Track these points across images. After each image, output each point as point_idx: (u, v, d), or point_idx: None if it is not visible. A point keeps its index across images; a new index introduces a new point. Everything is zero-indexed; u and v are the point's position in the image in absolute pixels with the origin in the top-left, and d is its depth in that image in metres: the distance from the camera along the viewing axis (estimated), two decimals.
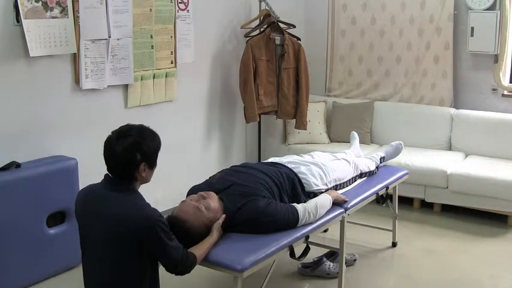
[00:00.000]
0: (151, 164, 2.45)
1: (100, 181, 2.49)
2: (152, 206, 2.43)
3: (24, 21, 3.36)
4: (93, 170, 3.60)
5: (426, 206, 4.80)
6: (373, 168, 3.78)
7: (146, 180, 2.47)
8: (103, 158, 2.43)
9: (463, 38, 5.11)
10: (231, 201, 2.80)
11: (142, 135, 2.42)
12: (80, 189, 2.62)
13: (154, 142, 2.46)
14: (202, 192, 2.80)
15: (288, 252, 2.81)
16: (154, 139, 2.47)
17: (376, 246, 4.06)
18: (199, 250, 2.53)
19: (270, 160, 3.48)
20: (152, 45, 4.26)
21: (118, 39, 3.97)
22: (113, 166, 2.40)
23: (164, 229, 2.34)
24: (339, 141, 5.31)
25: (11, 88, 3.42)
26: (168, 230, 2.36)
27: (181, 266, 2.42)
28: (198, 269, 2.54)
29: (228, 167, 3.29)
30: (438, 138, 5.15)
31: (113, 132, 2.43)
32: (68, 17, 3.62)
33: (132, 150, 2.37)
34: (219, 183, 2.96)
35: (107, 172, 2.44)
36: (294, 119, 5.18)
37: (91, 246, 2.43)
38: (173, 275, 2.46)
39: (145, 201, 2.41)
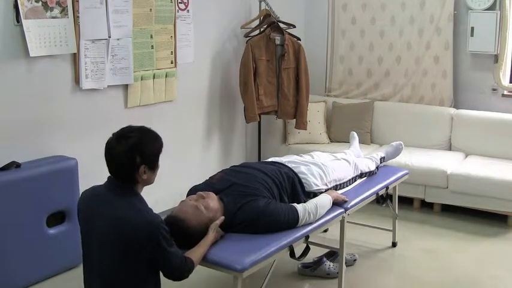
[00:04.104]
0: (152, 166, 2.43)
1: (103, 183, 2.48)
2: (152, 206, 2.43)
3: (24, 21, 3.36)
4: (93, 170, 3.62)
5: (426, 206, 4.80)
6: (373, 168, 3.77)
7: (148, 182, 2.45)
8: (103, 158, 2.42)
9: (463, 38, 5.11)
10: (231, 201, 2.80)
11: (143, 137, 2.40)
12: (81, 189, 2.63)
13: (155, 144, 2.44)
14: (201, 192, 2.80)
15: (288, 252, 2.81)
16: (155, 141, 2.44)
17: (376, 246, 4.06)
18: (195, 254, 2.52)
19: (269, 160, 3.47)
20: (152, 45, 4.27)
21: (118, 39, 3.97)
22: (113, 168, 2.39)
23: (165, 235, 2.33)
24: (339, 141, 5.31)
25: (11, 88, 3.42)
26: (168, 236, 2.36)
27: (179, 272, 2.42)
28: (198, 269, 2.54)
29: (228, 167, 3.29)
30: (438, 138, 5.15)
31: (113, 134, 2.41)
32: (68, 17, 3.62)
33: (132, 153, 2.35)
34: (219, 184, 2.96)
35: (110, 174, 2.44)
36: (294, 119, 5.18)
37: (92, 248, 2.42)
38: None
39: (147, 205, 2.41)
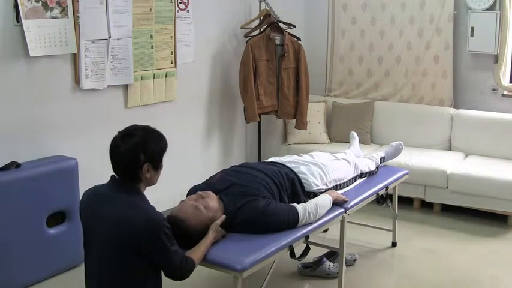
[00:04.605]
0: (156, 165, 2.44)
1: (106, 182, 2.49)
2: (152, 206, 2.43)
3: (24, 21, 3.36)
4: (93, 170, 3.63)
5: (426, 206, 4.80)
6: (373, 168, 3.77)
7: (151, 181, 2.46)
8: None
9: (463, 38, 5.11)
10: (231, 201, 2.80)
11: (148, 136, 2.42)
12: (81, 189, 2.63)
13: (159, 143, 2.45)
14: (201, 192, 2.80)
15: (288, 252, 2.81)
16: (159, 140, 2.46)
17: (376, 246, 4.06)
18: (196, 254, 2.52)
19: (270, 160, 3.48)
20: (152, 45, 4.27)
21: (118, 39, 3.97)
22: (117, 166, 2.40)
23: (167, 233, 2.33)
24: (339, 141, 5.31)
25: (11, 88, 3.42)
26: (170, 235, 2.36)
27: (180, 272, 2.42)
28: (198, 269, 2.54)
29: (228, 167, 3.29)
30: (438, 138, 5.15)
31: (119, 132, 2.43)
32: (68, 17, 3.62)
33: (136, 150, 2.36)
34: (219, 183, 2.96)
35: (113, 173, 2.44)
36: (294, 119, 5.18)
37: (94, 247, 2.42)
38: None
39: (149, 204, 2.41)
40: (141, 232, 2.28)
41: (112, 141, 2.41)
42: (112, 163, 2.41)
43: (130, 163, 2.37)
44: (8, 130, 3.42)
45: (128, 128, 2.45)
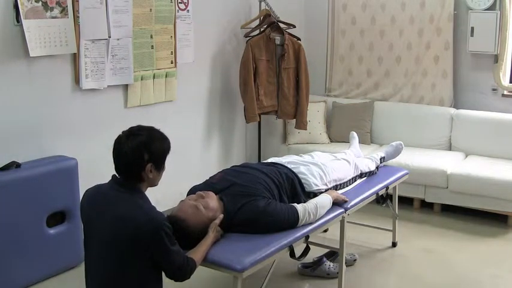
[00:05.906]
0: (159, 166, 2.45)
1: (108, 181, 2.49)
2: (153, 205, 2.43)
3: (24, 21, 3.36)
4: (93, 170, 3.63)
5: (426, 206, 4.80)
6: (373, 168, 3.78)
7: (153, 182, 2.47)
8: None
9: (463, 38, 5.11)
10: (231, 201, 2.80)
11: (152, 136, 2.43)
12: (81, 189, 2.63)
13: (163, 144, 2.46)
14: (200, 192, 2.80)
15: (288, 252, 2.81)
16: (163, 141, 2.47)
17: (376, 246, 4.06)
18: (196, 254, 2.53)
19: (269, 160, 3.48)
20: (152, 45, 4.27)
21: (118, 39, 3.97)
22: (120, 165, 2.40)
23: (168, 233, 2.33)
24: (339, 141, 5.32)
25: (11, 88, 3.42)
26: (171, 235, 2.36)
27: (181, 272, 2.42)
28: (198, 269, 2.54)
29: (228, 167, 3.29)
30: (438, 138, 5.15)
31: (123, 132, 2.44)
32: (68, 17, 3.62)
33: (140, 150, 2.37)
34: (219, 183, 2.96)
35: (115, 172, 2.44)
36: (294, 119, 5.18)
37: (94, 246, 2.42)
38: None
39: (151, 204, 2.42)
40: (142, 232, 2.28)
41: (116, 140, 2.42)
42: (115, 162, 2.41)
43: (134, 162, 2.37)
44: (8, 130, 3.42)
45: (132, 128, 2.46)
